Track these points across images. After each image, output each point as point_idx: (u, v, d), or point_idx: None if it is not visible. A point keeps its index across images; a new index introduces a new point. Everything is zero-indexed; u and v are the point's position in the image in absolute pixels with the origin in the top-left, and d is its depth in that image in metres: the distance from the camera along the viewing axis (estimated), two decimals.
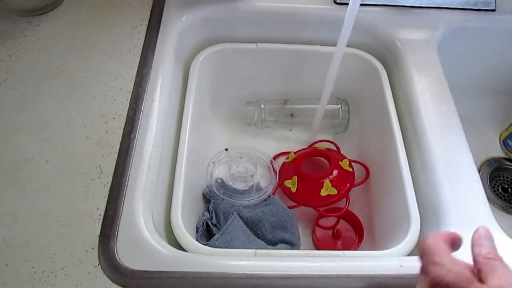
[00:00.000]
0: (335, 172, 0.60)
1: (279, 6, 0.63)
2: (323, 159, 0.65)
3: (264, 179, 0.62)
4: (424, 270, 0.32)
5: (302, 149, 0.67)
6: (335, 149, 0.68)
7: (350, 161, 0.63)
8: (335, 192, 0.59)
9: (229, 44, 0.64)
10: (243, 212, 0.56)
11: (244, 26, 0.65)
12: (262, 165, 0.63)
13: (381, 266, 0.41)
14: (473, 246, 0.34)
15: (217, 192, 0.57)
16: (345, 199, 0.60)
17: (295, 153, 0.66)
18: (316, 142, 0.68)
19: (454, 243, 0.34)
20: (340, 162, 0.62)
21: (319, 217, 0.60)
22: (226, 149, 0.62)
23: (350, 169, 0.62)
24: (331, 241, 0.60)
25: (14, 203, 0.44)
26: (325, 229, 0.60)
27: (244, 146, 0.64)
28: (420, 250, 0.33)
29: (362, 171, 0.64)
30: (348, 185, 0.60)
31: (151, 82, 0.53)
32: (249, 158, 0.61)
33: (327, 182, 0.59)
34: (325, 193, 0.59)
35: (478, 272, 0.32)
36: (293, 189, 0.60)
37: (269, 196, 0.58)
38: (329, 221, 0.61)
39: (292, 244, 0.57)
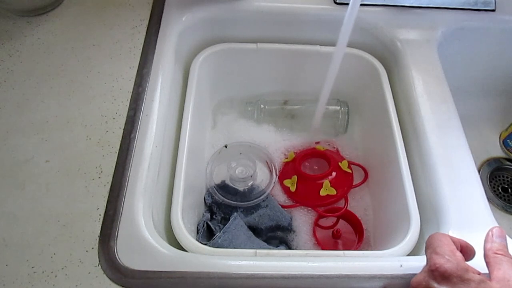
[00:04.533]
0: (334, 172, 0.61)
1: (279, 6, 0.63)
2: (323, 159, 0.65)
3: (264, 178, 0.62)
4: (427, 260, 0.35)
5: (302, 150, 0.67)
6: (335, 150, 0.68)
7: (350, 162, 0.63)
8: (334, 192, 0.59)
9: (229, 44, 0.64)
10: (241, 217, 0.56)
11: (244, 26, 0.64)
12: (261, 162, 0.63)
13: (381, 266, 0.41)
14: (485, 242, 0.37)
15: (217, 193, 0.57)
16: (343, 199, 0.60)
17: (294, 153, 0.66)
18: (316, 144, 0.69)
19: (465, 251, 0.36)
20: (339, 163, 0.62)
21: (318, 218, 0.60)
22: (226, 146, 0.62)
23: (349, 171, 0.62)
24: (331, 241, 0.60)
25: (14, 203, 0.44)
26: (325, 229, 0.60)
27: (244, 142, 0.64)
28: (427, 243, 0.36)
29: (361, 172, 0.64)
30: (347, 186, 0.60)
31: (151, 82, 0.53)
32: (249, 155, 0.61)
33: (326, 182, 0.59)
34: (324, 193, 0.59)
35: (486, 265, 0.34)
36: (292, 189, 0.60)
37: (267, 197, 0.59)
38: (329, 221, 0.61)
39: (289, 247, 0.57)
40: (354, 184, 0.62)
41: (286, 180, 0.62)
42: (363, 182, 0.63)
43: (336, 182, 0.60)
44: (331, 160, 0.62)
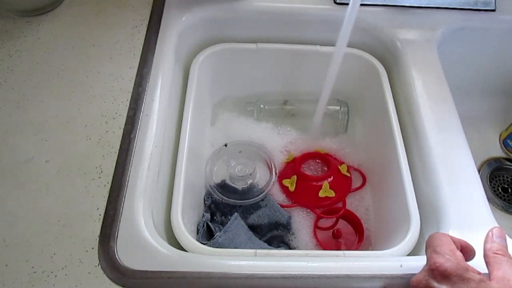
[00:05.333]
0: (334, 175, 0.61)
1: (279, 6, 0.63)
2: (323, 162, 0.65)
3: (263, 177, 0.62)
4: (427, 259, 0.35)
5: (303, 152, 0.66)
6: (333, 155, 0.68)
7: (349, 167, 0.63)
8: (333, 194, 0.59)
9: (229, 44, 0.64)
10: (241, 217, 0.56)
11: (244, 26, 0.64)
12: (261, 161, 0.63)
13: (381, 266, 0.41)
14: (485, 242, 0.37)
15: (217, 192, 0.57)
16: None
17: (295, 155, 0.65)
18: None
19: (465, 251, 0.36)
20: (339, 167, 0.62)
21: (318, 219, 0.60)
22: (225, 145, 0.62)
23: (348, 174, 0.62)
24: (332, 241, 0.60)
25: (14, 203, 0.44)
26: (325, 230, 0.60)
27: (244, 141, 0.64)
28: (427, 243, 0.36)
29: (359, 177, 0.65)
30: (346, 189, 0.60)
31: (151, 82, 0.53)
32: (248, 154, 0.61)
33: (325, 184, 0.60)
34: (323, 194, 0.59)
35: (486, 265, 0.34)
36: (291, 188, 0.60)
37: (266, 196, 0.58)
38: (329, 221, 0.61)
39: (290, 247, 0.57)
40: (352, 188, 0.62)
41: (285, 180, 0.62)
42: (361, 187, 0.63)
43: (335, 185, 0.60)
44: (330, 163, 0.62)
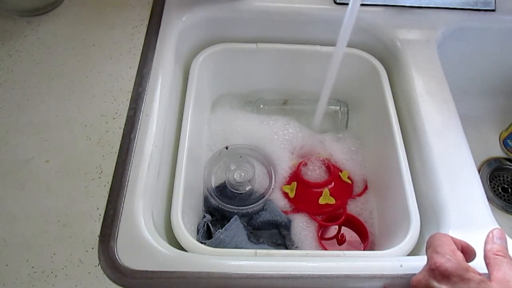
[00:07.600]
0: (334, 182, 0.60)
1: (279, 6, 0.63)
2: (324, 168, 0.64)
3: (263, 183, 0.61)
4: (427, 259, 0.35)
5: (303, 158, 0.66)
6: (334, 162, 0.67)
7: (350, 175, 0.63)
8: (333, 201, 0.59)
9: (229, 44, 0.64)
10: (242, 221, 0.56)
11: (244, 26, 0.64)
12: (261, 166, 0.63)
13: (381, 266, 0.41)
14: (486, 243, 0.37)
15: (214, 197, 0.57)
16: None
17: (295, 159, 0.65)
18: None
19: (466, 252, 0.36)
20: (340, 173, 0.62)
21: (319, 228, 0.58)
22: (227, 147, 0.62)
23: (349, 181, 0.62)
24: (337, 248, 0.59)
25: (14, 203, 0.44)
26: (330, 240, 0.59)
27: (245, 144, 0.64)
28: (427, 243, 0.36)
29: (361, 181, 0.64)
30: (346, 196, 0.60)
31: (151, 82, 0.53)
32: (249, 158, 0.61)
33: (326, 191, 0.59)
34: (323, 201, 0.58)
35: (486, 266, 0.35)
36: (291, 195, 0.60)
37: (264, 203, 0.58)
38: (331, 230, 0.60)
39: (289, 249, 0.56)
40: (353, 195, 0.62)
41: (285, 186, 0.61)
42: (362, 193, 0.62)
43: (336, 192, 0.60)
44: (331, 170, 0.61)
